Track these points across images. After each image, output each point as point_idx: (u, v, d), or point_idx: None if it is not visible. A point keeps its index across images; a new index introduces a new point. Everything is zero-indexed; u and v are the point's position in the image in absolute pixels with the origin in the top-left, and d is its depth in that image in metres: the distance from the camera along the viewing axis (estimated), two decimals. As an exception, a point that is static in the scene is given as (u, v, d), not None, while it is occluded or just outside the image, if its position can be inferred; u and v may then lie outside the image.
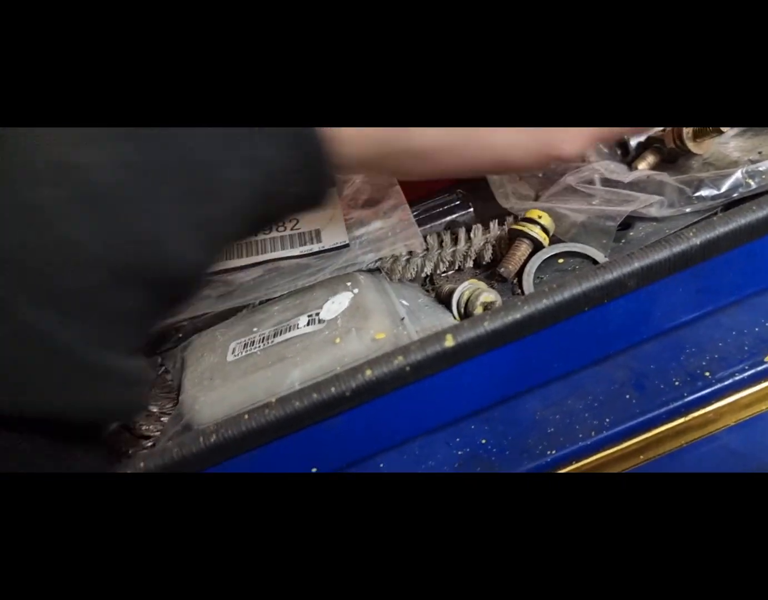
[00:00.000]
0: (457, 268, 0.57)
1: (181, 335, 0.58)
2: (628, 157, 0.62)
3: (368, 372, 0.41)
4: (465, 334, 0.42)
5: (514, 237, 0.53)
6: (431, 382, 0.43)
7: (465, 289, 0.50)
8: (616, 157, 0.63)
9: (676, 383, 0.47)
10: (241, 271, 0.55)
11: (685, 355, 0.49)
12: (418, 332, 0.48)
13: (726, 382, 0.46)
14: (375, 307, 0.50)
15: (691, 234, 0.43)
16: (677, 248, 0.43)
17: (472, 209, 0.60)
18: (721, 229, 0.43)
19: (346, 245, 0.53)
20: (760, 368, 0.46)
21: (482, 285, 0.50)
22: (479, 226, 0.57)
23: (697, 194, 0.51)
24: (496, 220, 0.57)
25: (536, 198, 0.61)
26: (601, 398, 0.48)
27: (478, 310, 0.48)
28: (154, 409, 0.52)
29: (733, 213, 0.44)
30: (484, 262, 0.57)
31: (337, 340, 0.47)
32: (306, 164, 0.36)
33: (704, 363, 0.48)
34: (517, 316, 0.42)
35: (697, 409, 0.46)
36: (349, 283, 0.53)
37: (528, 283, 0.51)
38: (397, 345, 0.48)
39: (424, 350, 0.42)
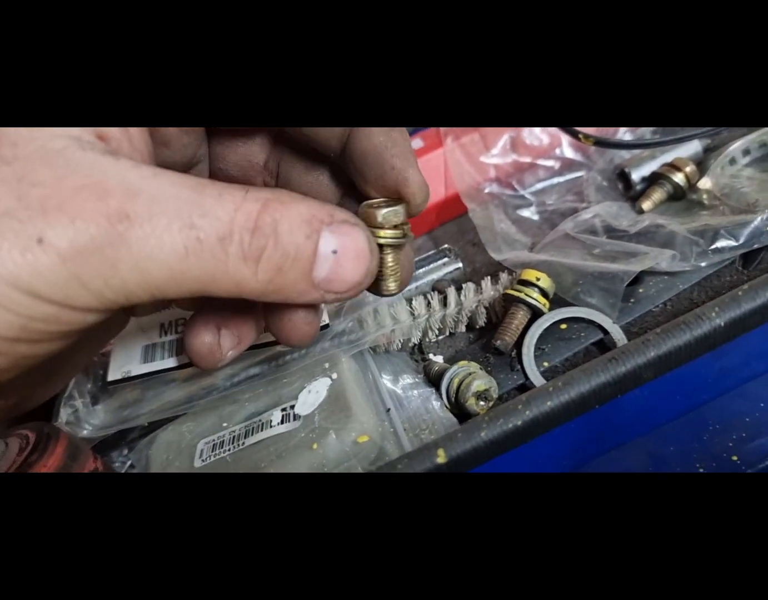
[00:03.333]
0: (447, 333, 0.52)
1: (146, 424, 0.52)
2: (631, 192, 0.56)
3: (349, 498, 0.36)
4: (459, 447, 0.37)
5: (509, 302, 0.47)
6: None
7: (455, 374, 0.44)
8: (617, 192, 0.57)
9: (701, 470, 0.42)
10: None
11: (709, 434, 0.43)
12: (406, 430, 0.43)
13: (757, 468, 0.41)
14: (357, 400, 0.44)
15: (713, 314, 0.38)
16: (698, 331, 0.37)
17: (461, 265, 0.54)
18: (747, 306, 0.38)
19: (326, 326, 0.46)
20: (794, 450, 0.41)
21: (474, 367, 0.44)
22: (470, 285, 0.51)
23: (713, 247, 0.45)
24: (489, 277, 0.51)
25: (532, 246, 0.55)
26: (616, 490, 0.42)
27: (471, 402, 0.42)
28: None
29: (761, 285, 0.38)
30: (477, 326, 0.51)
31: (315, 446, 0.41)
32: None
33: (730, 444, 0.42)
34: (518, 422, 0.37)
35: (726, 502, 0.41)
36: (326, 365, 0.48)
37: (528, 358, 0.45)
38: (382, 446, 0.43)
39: (413, 469, 0.36)
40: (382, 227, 0.33)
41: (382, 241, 0.33)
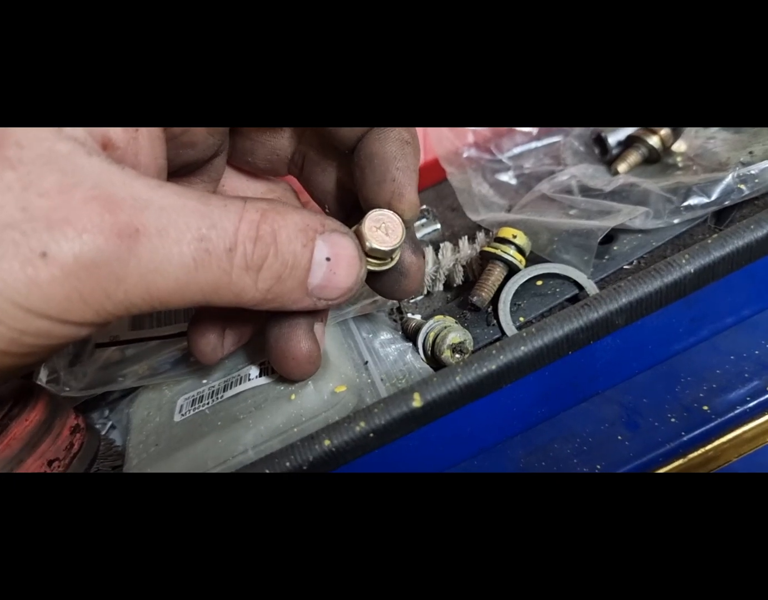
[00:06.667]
0: (425, 292, 0.52)
1: (126, 381, 0.52)
2: (607, 156, 0.57)
3: (326, 442, 0.36)
4: (434, 391, 0.37)
5: (486, 259, 0.48)
6: (398, 444, 0.39)
7: (431, 328, 0.44)
8: (594, 157, 0.58)
9: (672, 420, 0.42)
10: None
11: (681, 386, 0.44)
12: (383, 380, 0.43)
13: (727, 416, 0.42)
14: (335, 352, 0.44)
15: (683, 261, 0.38)
16: (669, 278, 0.38)
17: (439, 226, 0.54)
18: (716, 254, 0.38)
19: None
20: (761, 399, 0.42)
21: (450, 321, 0.45)
22: (448, 244, 0.51)
23: (686, 204, 0.46)
24: (466, 237, 0.52)
25: (509, 208, 0.56)
26: (591, 440, 0.43)
27: (446, 354, 0.42)
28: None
29: (730, 234, 0.39)
30: (455, 285, 0.52)
31: (293, 397, 0.42)
32: None
33: (701, 395, 0.43)
34: (492, 367, 0.37)
35: (697, 449, 0.42)
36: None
37: (504, 313, 0.46)
38: (360, 396, 0.43)
39: (389, 413, 0.37)
40: (368, 256, 0.35)
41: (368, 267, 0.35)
